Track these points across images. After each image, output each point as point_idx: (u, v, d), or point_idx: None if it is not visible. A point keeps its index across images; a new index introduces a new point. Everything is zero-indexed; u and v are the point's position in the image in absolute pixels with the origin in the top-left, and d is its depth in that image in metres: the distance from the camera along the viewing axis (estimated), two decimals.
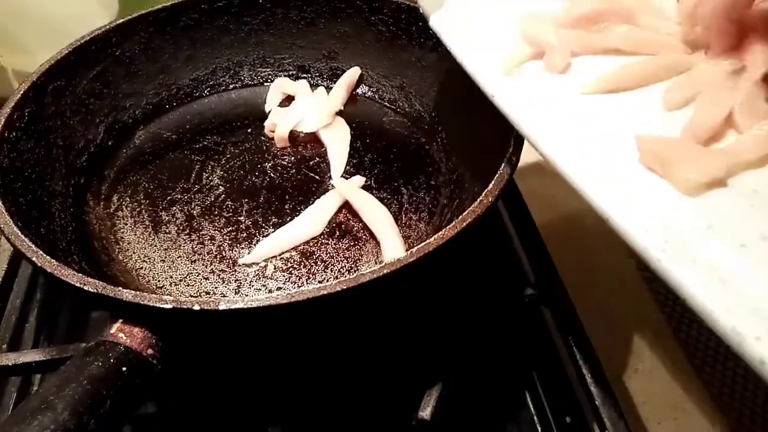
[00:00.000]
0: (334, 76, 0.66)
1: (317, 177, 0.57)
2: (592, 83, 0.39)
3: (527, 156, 0.43)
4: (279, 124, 0.60)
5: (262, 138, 0.61)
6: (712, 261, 0.28)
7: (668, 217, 0.30)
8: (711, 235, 0.29)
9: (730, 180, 0.31)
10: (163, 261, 0.49)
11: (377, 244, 0.50)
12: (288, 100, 0.65)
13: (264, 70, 0.67)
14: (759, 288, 0.27)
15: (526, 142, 0.45)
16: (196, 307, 0.34)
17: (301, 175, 0.57)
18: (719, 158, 0.32)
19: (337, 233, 0.51)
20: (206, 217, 0.53)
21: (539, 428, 0.49)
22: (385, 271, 0.36)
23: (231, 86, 0.67)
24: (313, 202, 0.53)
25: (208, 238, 0.51)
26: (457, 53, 0.43)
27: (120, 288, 0.36)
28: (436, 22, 0.46)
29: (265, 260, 0.49)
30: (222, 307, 0.34)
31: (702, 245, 0.29)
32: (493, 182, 0.42)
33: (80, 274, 0.36)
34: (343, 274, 0.48)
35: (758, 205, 0.30)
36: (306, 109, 0.62)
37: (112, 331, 0.36)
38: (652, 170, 0.33)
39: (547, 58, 0.41)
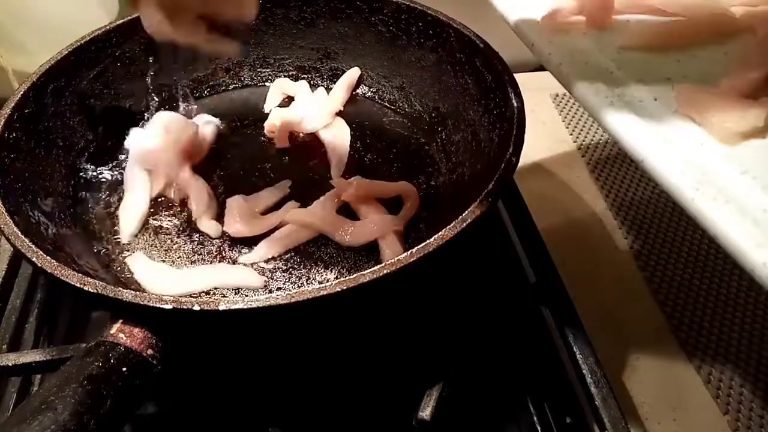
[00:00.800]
0: (334, 76, 0.66)
1: (317, 177, 0.57)
2: (632, 38, 0.39)
3: (527, 156, 0.43)
4: (279, 125, 0.60)
5: (262, 138, 0.61)
6: (745, 202, 0.29)
7: (704, 162, 0.31)
8: (745, 180, 0.30)
9: None
10: (164, 261, 0.49)
11: (377, 244, 0.50)
12: (288, 100, 0.65)
13: (264, 70, 0.67)
14: None
15: (525, 143, 0.45)
16: (196, 308, 0.34)
17: (301, 175, 0.57)
18: (758, 109, 0.33)
19: None
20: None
21: (539, 428, 0.49)
22: (385, 272, 0.36)
23: (231, 86, 0.67)
24: (313, 203, 0.53)
25: (208, 238, 0.51)
26: (500, 6, 0.44)
27: (120, 288, 0.36)
28: None
29: (265, 260, 0.49)
30: (222, 307, 0.34)
31: (736, 188, 0.30)
32: (493, 182, 0.42)
33: (80, 275, 0.36)
34: (343, 274, 0.48)
35: None
36: (306, 109, 0.62)
37: (112, 331, 0.36)
38: (691, 118, 0.34)
39: (588, 13, 0.41)
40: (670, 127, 0.34)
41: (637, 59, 0.39)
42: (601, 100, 0.36)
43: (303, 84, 0.66)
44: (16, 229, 0.40)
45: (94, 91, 0.57)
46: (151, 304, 0.35)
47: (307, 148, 0.60)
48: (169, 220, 0.53)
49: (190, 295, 0.46)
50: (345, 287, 0.35)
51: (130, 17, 0.59)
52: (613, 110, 0.35)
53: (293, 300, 0.35)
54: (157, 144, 0.57)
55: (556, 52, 0.40)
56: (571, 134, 0.76)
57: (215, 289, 0.47)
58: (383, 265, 0.37)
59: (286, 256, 0.50)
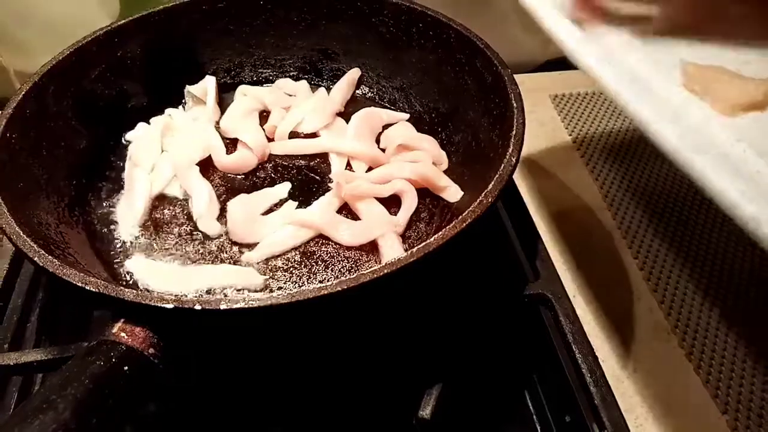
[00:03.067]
0: (335, 76, 0.66)
1: (317, 177, 0.57)
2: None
3: (527, 156, 0.43)
4: (279, 125, 0.60)
5: None
6: (738, 163, 0.32)
7: (703, 130, 0.34)
8: (741, 146, 0.33)
9: None
10: (164, 260, 0.49)
11: (377, 244, 0.50)
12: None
13: (265, 70, 0.67)
14: None
15: (525, 143, 0.45)
16: (198, 307, 0.35)
17: (301, 175, 0.57)
18: (758, 84, 0.36)
19: None
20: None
21: (538, 428, 0.49)
22: (385, 271, 0.36)
23: (232, 87, 0.67)
24: (313, 203, 0.53)
25: (209, 237, 0.51)
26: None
27: (122, 287, 0.36)
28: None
29: (265, 260, 0.49)
30: (223, 307, 0.34)
31: (731, 151, 0.33)
32: (492, 182, 0.42)
33: (82, 274, 0.37)
34: (344, 273, 0.49)
35: None
36: (306, 109, 0.62)
37: (114, 330, 0.36)
38: (694, 92, 0.37)
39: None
40: (674, 101, 0.36)
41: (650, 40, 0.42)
42: (612, 72, 0.38)
43: (303, 84, 0.66)
44: (17, 228, 0.40)
45: (95, 92, 0.57)
46: (153, 304, 0.35)
47: None
48: (169, 220, 0.53)
49: (191, 295, 0.46)
50: (345, 287, 0.35)
51: (130, 18, 0.59)
52: (624, 85, 0.37)
53: (294, 299, 0.35)
54: (157, 143, 0.58)
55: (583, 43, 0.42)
56: (570, 134, 0.76)
57: (216, 288, 0.47)
58: (383, 265, 0.37)
59: (287, 256, 0.50)
